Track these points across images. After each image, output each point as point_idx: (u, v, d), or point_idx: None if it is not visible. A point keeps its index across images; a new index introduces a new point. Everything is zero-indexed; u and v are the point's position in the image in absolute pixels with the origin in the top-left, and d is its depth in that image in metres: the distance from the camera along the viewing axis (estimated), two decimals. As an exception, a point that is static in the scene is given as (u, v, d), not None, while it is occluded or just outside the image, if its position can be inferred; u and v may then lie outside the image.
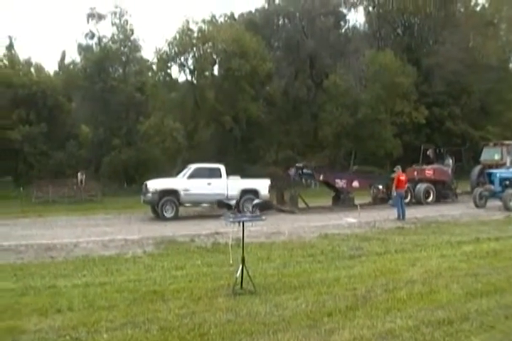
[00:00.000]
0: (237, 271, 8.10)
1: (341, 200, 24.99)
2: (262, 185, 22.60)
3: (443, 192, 26.68)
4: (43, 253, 12.64)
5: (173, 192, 21.21)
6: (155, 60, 43.08)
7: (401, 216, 19.21)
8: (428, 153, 28.76)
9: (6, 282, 9.21)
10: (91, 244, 13.98)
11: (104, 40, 43.05)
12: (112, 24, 42.68)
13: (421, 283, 8.29)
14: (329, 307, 7.10)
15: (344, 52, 45.68)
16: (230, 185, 21.76)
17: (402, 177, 20.63)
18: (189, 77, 43.51)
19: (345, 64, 44.05)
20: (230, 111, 40.89)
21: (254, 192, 21.99)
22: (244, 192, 21.95)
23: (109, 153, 39.68)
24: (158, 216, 21.21)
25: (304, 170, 25.28)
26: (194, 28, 41.71)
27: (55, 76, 46.90)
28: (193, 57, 41.89)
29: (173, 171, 30.64)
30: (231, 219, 8.32)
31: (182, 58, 41.99)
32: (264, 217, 8.92)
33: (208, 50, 42.02)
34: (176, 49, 41.04)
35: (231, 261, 9.32)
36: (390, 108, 42.95)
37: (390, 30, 51.90)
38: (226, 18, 49.03)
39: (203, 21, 42.71)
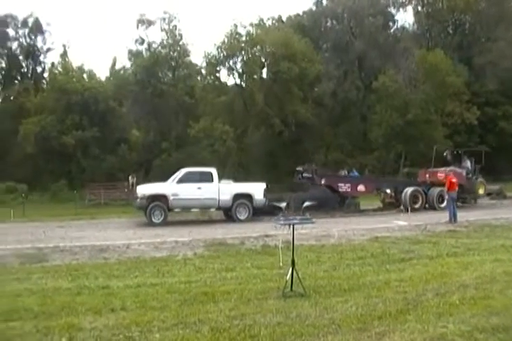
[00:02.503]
0: (287, 274, 8.09)
1: (346, 205, 24.06)
2: (257, 189, 21.74)
3: (459, 196, 24.78)
4: (96, 255, 12.91)
5: (162, 197, 20.73)
6: (204, 64, 43.62)
7: (453, 219, 18.80)
8: (445, 154, 27.32)
9: (62, 281, 9.47)
10: (142, 246, 14.19)
11: (154, 45, 43.98)
12: (161, 30, 43.62)
13: (474, 288, 8.07)
14: (379, 310, 7.00)
15: (393, 53, 45.15)
16: (221, 190, 21.15)
17: (454, 180, 20.21)
18: (238, 81, 43.95)
19: (395, 64, 43.51)
20: (279, 113, 40.94)
21: (248, 197, 21.42)
22: (238, 196, 21.33)
23: (159, 156, 40.32)
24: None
25: (304, 174, 24.42)
26: (242, 31, 42.11)
27: (107, 82, 47.91)
28: (241, 60, 42.23)
29: (222, 174, 30.80)
30: (282, 222, 8.32)
31: (231, 62, 42.40)
32: (314, 220, 8.90)
33: (257, 54, 42.29)
34: (225, 53, 41.42)
35: (281, 264, 9.32)
36: (441, 108, 42.22)
37: (440, 29, 51.00)
38: (274, 21, 49.16)
39: (251, 25, 43.00)
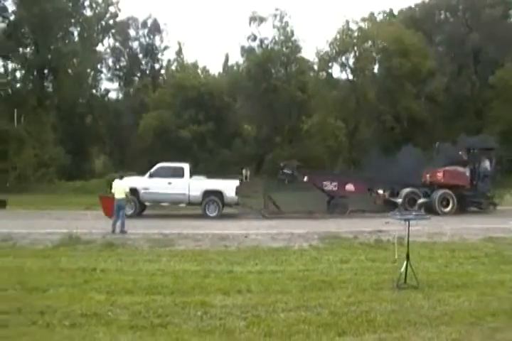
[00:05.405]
0: (401, 267, 8.47)
1: (331, 205, 22.34)
2: (228, 186, 21.43)
3: (469, 201, 22.84)
4: (217, 242, 13.78)
5: (133, 191, 20.60)
6: (316, 60, 44.02)
7: None
8: (460, 153, 24.02)
9: (189, 265, 10.41)
10: (260, 236, 14.90)
11: (266, 41, 44.91)
12: (273, 26, 44.48)
13: None
14: (493, 307, 7.19)
15: (513, 46, 43.26)
16: (192, 186, 21.25)
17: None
18: (350, 76, 43.91)
19: (515, 57, 41.76)
20: (391, 109, 40.59)
21: (219, 194, 21.17)
22: (208, 193, 21.19)
23: (271, 150, 41.23)
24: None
25: (284, 170, 22.85)
26: (354, 27, 42.08)
27: (220, 77, 49.55)
28: (353, 56, 42.19)
29: (335, 169, 31.12)
30: (398, 217, 8.71)
31: (343, 58, 42.50)
32: (429, 216, 9.18)
33: (369, 49, 42.08)
34: (337, 49, 41.60)
35: (396, 256, 9.66)
36: None
37: None
38: (385, 16, 48.66)
39: (363, 20, 42.89)
